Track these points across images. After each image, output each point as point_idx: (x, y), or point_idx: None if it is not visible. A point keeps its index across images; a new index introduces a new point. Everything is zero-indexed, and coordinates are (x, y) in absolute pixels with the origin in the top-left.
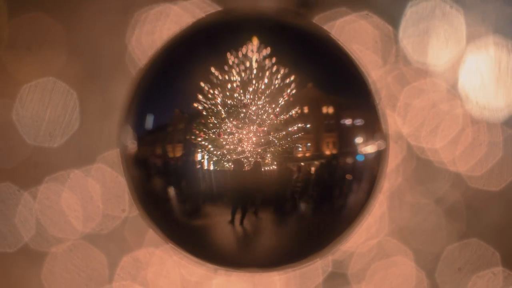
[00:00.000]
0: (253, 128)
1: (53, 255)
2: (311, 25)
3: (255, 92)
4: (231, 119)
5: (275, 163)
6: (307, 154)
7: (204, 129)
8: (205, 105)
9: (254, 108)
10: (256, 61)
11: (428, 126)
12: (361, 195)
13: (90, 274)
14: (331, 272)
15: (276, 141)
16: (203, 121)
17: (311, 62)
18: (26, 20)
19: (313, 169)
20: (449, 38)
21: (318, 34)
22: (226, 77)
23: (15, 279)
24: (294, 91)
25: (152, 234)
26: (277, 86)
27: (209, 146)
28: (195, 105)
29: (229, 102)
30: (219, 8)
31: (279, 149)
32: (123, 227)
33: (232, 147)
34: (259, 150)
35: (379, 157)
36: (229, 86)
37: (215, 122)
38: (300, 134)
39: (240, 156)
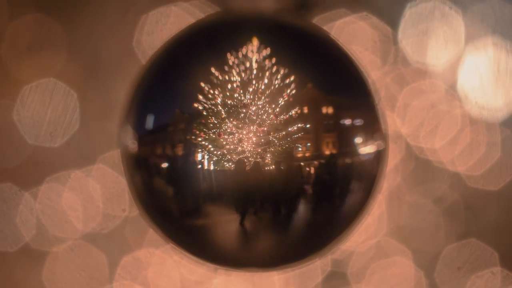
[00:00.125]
0: (253, 128)
1: (54, 254)
2: (310, 26)
3: (255, 92)
4: (231, 119)
5: (275, 163)
6: (307, 154)
7: (205, 129)
8: (206, 105)
9: (254, 108)
10: (256, 61)
11: (427, 126)
12: (360, 195)
13: (91, 273)
14: (330, 271)
15: (276, 141)
16: (203, 121)
17: (311, 62)
18: (27, 21)
19: (312, 169)
20: (448, 39)
21: (318, 35)
22: (226, 77)
23: (16, 279)
24: (294, 92)
25: (152, 234)
26: (277, 86)
27: (209, 146)
28: (196, 105)
29: (229, 102)
30: (219, 9)
31: (279, 149)
32: (123, 226)
33: (232, 147)
34: (259, 150)
35: (379, 157)
36: (229, 86)
37: (215, 122)
38: (300, 134)
39: (240, 156)
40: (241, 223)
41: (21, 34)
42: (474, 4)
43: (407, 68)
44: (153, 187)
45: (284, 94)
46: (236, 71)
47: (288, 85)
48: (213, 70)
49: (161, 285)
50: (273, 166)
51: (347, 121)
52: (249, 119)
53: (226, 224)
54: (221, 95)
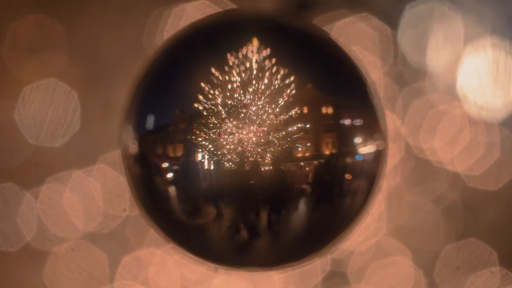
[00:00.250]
0: (253, 128)
1: (55, 254)
2: (310, 26)
3: (255, 92)
4: (231, 119)
5: (274, 163)
6: (307, 154)
7: (205, 129)
8: (206, 105)
9: (254, 109)
10: (256, 61)
11: (427, 126)
12: (360, 194)
13: (92, 273)
14: (330, 271)
15: (276, 141)
16: (203, 121)
17: (311, 63)
18: (28, 22)
19: (312, 168)
20: (447, 40)
21: (318, 35)
22: (227, 77)
23: (17, 278)
24: (293, 92)
25: (153, 234)
26: (277, 86)
27: (210, 146)
28: (196, 105)
29: (229, 102)
30: (220, 9)
31: (279, 149)
32: (124, 226)
33: (232, 147)
34: (259, 150)
35: (378, 157)
36: (229, 86)
37: (216, 122)
38: (299, 134)
39: (240, 156)
40: (242, 222)
41: (22, 35)
42: (473, 5)
43: (406, 68)
44: (154, 187)
45: (284, 94)
46: (236, 71)
47: (288, 85)
48: (213, 70)
49: (161, 284)
50: (273, 166)
51: (347, 121)
52: (249, 119)
53: (226, 224)
54: (221, 95)
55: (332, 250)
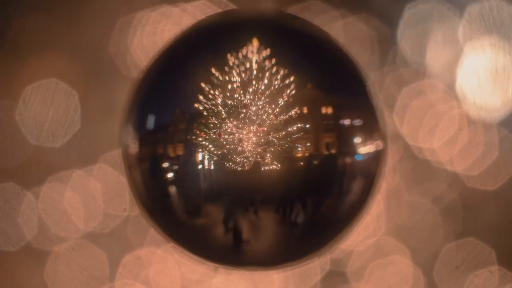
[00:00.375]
0: (253, 128)
1: (56, 253)
2: (310, 27)
3: (255, 92)
4: (232, 119)
5: (274, 162)
6: (306, 154)
7: (205, 129)
8: (206, 105)
9: (254, 109)
10: (256, 62)
11: (426, 126)
12: (359, 194)
13: (92, 272)
14: (329, 270)
15: (275, 141)
16: (203, 121)
17: (311, 63)
18: (28, 22)
19: (312, 168)
20: (446, 40)
21: (317, 36)
22: (227, 78)
23: (18, 278)
24: (293, 92)
25: (153, 233)
26: (276, 86)
27: (210, 146)
28: (196, 105)
29: (229, 102)
30: (219, 10)
31: (279, 149)
32: (124, 226)
33: (232, 147)
34: (259, 150)
35: (377, 157)
36: (229, 86)
37: (216, 122)
38: (299, 134)
39: (241, 156)
40: (241, 221)
41: (23, 35)
42: (472, 5)
43: (406, 69)
44: (154, 186)
45: (284, 95)
46: (236, 71)
47: (288, 86)
48: (213, 70)
49: (162, 284)
50: (273, 166)
51: (347, 121)
52: (249, 119)
53: (226, 224)
54: (221, 95)
55: (332, 249)
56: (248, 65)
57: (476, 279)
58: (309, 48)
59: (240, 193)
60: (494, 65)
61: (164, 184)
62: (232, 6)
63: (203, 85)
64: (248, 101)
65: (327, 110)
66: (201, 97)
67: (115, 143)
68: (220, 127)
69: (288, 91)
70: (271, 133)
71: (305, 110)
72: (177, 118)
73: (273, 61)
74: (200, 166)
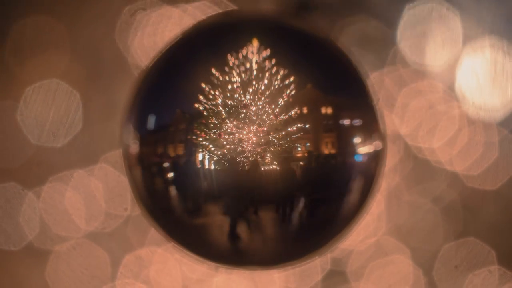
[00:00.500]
0: (253, 128)
1: (57, 253)
2: (310, 28)
3: (255, 93)
4: (232, 120)
5: (274, 162)
6: (306, 154)
7: (205, 129)
8: (206, 105)
9: (254, 109)
10: (256, 62)
11: (426, 126)
12: (359, 194)
13: (93, 272)
14: (330, 270)
15: (275, 141)
16: (204, 121)
17: (310, 63)
18: (29, 23)
19: (312, 168)
20: (446, 40)
21: (317, 36)
22: (227, 78)
23: (19, 277)
24: (293, 92)
25: (154, 233)
26: (276, 87)
27: (210, 146)
28: (196, 105)
29: (229, 102)
30: (220, 11)
31: (279, 149)
32: (125, 225)
33: (232, 147)
34: (259, 150)
35: (377, 157)
36: (229, 87)
37: (216, 122)
38: (299, 134)
39: (241, 156)
40: (241, 221)
41: (24, 35)
42: (471, 6)
43: (405, 69)
44: (155, 186)
45: (283, 95)
46: (236, 72)
47: (288, 86)
48: (213, 71)
49: (162, 283)
50: (273, 166)
51: (346, 121)
52: (249, 119)
53: (226, 223)
54: (221, 95)
55: (332, 249)
56: (248, 65)
57: (476, 279)
58: (309, 48)
59: (240, 192)
60: (493, 65)
61: (165, 184)
62: (232, 7)
63: (203, 85)
64: (248, 101)
65: (327, 110)
66: (201, 97)
67: (116, 143)
68: (220, 127)
69: (288, 91)
70: (271, 133)
71: (305, 110)
72: (177, 118)
73: (273, 61)
74: (200, 166)
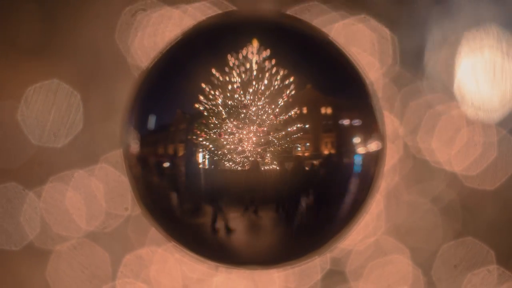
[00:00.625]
0: (253, 128)
1: (57, 253)
2: (310, 28)
3: (255, 93)
4: (232, 120)
5: (274, 162)
6: (306, 154)
7: (205, 129)
8: (206, 105)
9: (254, 109)
10: (256, 62)
11: (425, 126)
12: (358, 194)
13: (94, 271)
14: (329, 269)
15: (275, 141)
16: (204, 121)
17: (310, 64)
18: (30, 24)
19: (311, 168)
20: (445, 41)
21: (317, 37)
22: (227, 78)
23: (20, 277)
24: (293, 92)
25: (154, 233)
26: (276, 87)
27: (210, 146)
28: (197, 105)
29: (229, 102)
30: (220, 11)
31: (279, 148)
32: (126, 225)
33: (232, 147)
34: (259, 149)
35: (377, 156)
36: (229, 87)
37: (216, 122)
38: (299, 134)
39: (241, 156)
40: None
41: (25, 36)
42: (470, 6)
43: (404, 69)
44: (155, 186)
45: (283, 95)
46: (236, 72)
47: (288, 86)
48: (213, 71)
49: (163, 282)
50: (273, 166)
51: (346, 122)
52: (249, 120)
53: (226, 223)
54: (221, 95)
55: (331, 248)
56: (248, 65)
57: (474, 278)
58: (309, 49)
59: (240, 192)
60: (492, 66)
61: (165, 184)
62: (232, 8)
63: (203, 85)
64: (248, 102)
65: (326, 110)
66: (201, 98)
67: (117, 143)
68: (221, 127)
69: (288, 92)
70: (271, 133)
71: (304, 110)
72: (177, 118)
73: (273, 61)
74: (200, 166)
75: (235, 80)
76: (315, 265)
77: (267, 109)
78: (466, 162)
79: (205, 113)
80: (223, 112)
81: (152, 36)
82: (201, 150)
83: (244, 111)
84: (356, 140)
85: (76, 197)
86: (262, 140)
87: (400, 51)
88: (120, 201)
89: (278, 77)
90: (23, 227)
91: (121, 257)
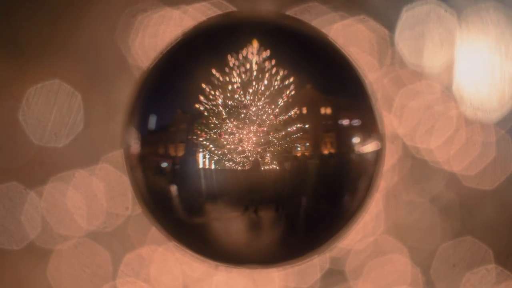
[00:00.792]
0: (253, 128)
1: (59, 252)
2: (309, 29)
3: (255, 93)
4: (232, 120)
5: (274, 162)
6: (306, 154)
7: (206, 129)
8: (207, 106)
9: (254, 109)
10: (256, 63)
11: (423, 126)
12: (358, 193)
13: (95, 270)
14: (328, 268)
15: (275, 141)
16: (204, 121)
17: (310, 64)
18: (31, 24)
19: (311, 168)
20: (443, 41)
21: (317, 37)
22: (227, 78)
23: (22, 276)
24: (293, 92)
25: (155, 232)
26: (276, 87)
27: (210, 145)
28: (197, 106)
29: (229, 103)
30: (220, 12)
31: (279, 148)
32: (126, 225)
33: (232, 146)
34: (259, 149)
35: (376, 156)
36: (229, 87)
37: (216, 122)
38: (299, 134)
39: (241, 156)
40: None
41: (26, 37)
42: (469, 7)
43: (403, 70)
44: (156, 186)
45: (283, 95)
46: (236, 72)
47: (288, 86)
48: (214, 71)
49: (163, 281)
50: (273, 166)
51: (345, 122)
52: (249, 120)
53: (226, 222)
54: (222, 96)
55: (331, 248)
56: (248, 66)
57: (473, 277)
58: (308, 49)
59: (240, 192)
60: (491, 66)
61: (166, 184)
62: (232, 8)
63: (204, 85)
64: (248, 102)
65: (326, 110)
66: (202, 98)
67: (117, 143)
68: (221, 127)
69: (288, 92)
70: (271, 133)
71: (304, 110)
72: (178, 119)
73: (273, 62)
74: (201, 166)
75: (235, 81)
76: (315, 264)
77: (267, 109)
78: (465, 162)
79: (206, 113)
80: (223, 112)
81: (152, 37)
82: (201, 150)
83: (244, 111)
84: (356, 140)
85: (77, 196)
86: (262, 140)
87: (399, 52)
88: (121, 201)
89: (278, 78)
90: (24, 227)
91: (121, 256)
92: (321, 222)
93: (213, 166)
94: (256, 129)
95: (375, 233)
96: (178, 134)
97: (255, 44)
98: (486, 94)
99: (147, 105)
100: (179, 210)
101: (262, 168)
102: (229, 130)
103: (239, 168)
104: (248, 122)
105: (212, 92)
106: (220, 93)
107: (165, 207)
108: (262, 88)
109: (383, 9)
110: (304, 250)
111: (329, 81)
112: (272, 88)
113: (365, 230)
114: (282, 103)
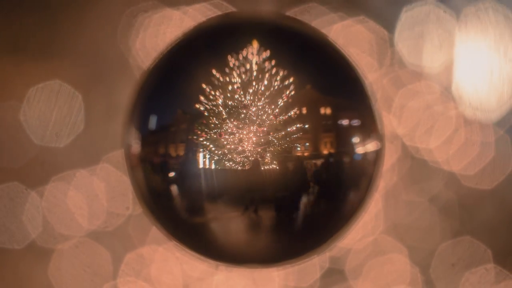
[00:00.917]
0: (253, 128)
1: (60, 251)
2: (309, 29)
3: (255, 93)
4: (232, 120)
5: (274, 162)
6: (306, 154)
7: (206, 129)
8: (207, 106)
9: (254, 109)
10: (256, 63)
11: (423, 126)
12: (357, 193)
13: (95, 270)
14: (328, 268)
15: (275, 141)
16: (204, 121)
17: (310, 64)
18: (32, 24)
19: (311, 168)
20: (443, 42)
21: (316, 38)
22: (227, 79)
23: (23, 275)
24: (293, 93)
25: (155, 232)
26: (276, 87)
27: (211, 145)
28: (197, 106)
29: (230, 103)
30: (220, 13)
31: (279, 148)
32: (127, 224)
33: (233, 146)
34: (259, 149)
35: (375, 156)
36: (230, 87)
37: (216, 122)
38: (298, 134)
39: (241, 156)
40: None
41: (27, 37)
42: (468, 8)
43: (403, 70)
44: (156, 185)
45: (283, 95)
46: (236, 72)
47: (287, 87)
48: (214, 72)
49: (163, 281)
50: (273, 166)
51: (345, 122)
52: (249, 120)
53: (226, 222)
54: (222, 96)
55: (330, 247)
56: (248, 66)
57: (472, 277)
58: (308, 49)
59: (240, 192)
60: (490, 66)
61: (166, 183)
62: (232, 9)
63: (204, 86)
64: (248, 102)
65: (326, 110)
66: (202, 98)
67: (118, 143)
68: (221, 127)
69: (288, 92)
70: (271, 133)
71: (304, 110)
72: (178, 119)
73: (273, 62)
74: (201, 166)
75: (235, 81)
76: (314, 263)
77: (267, 109)
78: (464, 162)
79: (206, 113)
80: (224, 112)
81: (153, 37)
82: (201, 150)
83: (244, 111)
84: (355, 140)
85: (78, 196)
86: (262, 140)
87: (398, 52)
88: (122, 201)
89: (278, 78)
90: (25, 226)
91: (122, 256)
92: (321, 222)
93: (213, 166)
94: (256, 129)
95: (375, 233)
96: (179, 134)
97: (255, 44)
98: (485, 94)
99: (148, 105)
100: (179, 209)
101: (262, 168)
102: (229, 130)
103: (239, 168)
104: (248, 122)
105: (212, 92)
106: (220, 93)
107: (165, 206)
108: (262, 88)
109: (383, 10)
110: (303, 250)
111: (329, 81)
112: (272, 88)
113: (364, 230)
114: (282, 103)
